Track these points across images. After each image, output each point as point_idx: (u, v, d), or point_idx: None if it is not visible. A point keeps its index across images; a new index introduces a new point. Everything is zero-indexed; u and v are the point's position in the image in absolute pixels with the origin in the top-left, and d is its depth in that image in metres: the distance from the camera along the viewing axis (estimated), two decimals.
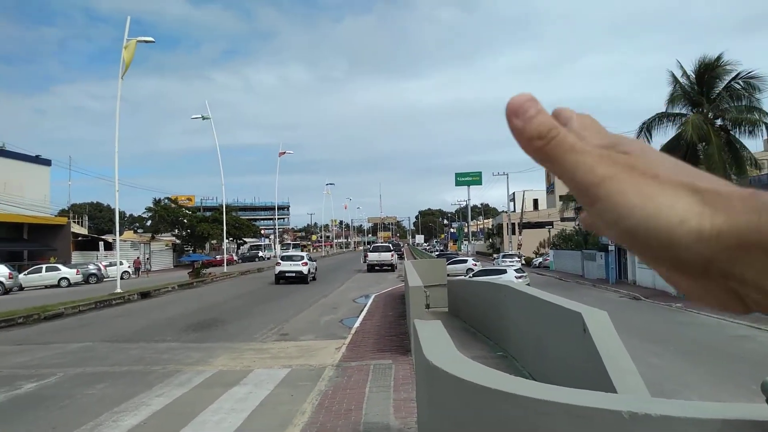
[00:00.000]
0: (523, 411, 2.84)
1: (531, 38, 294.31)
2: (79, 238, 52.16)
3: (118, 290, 26.59)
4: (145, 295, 27.48)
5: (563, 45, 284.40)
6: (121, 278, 30.67)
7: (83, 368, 11.17)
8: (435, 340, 4.84)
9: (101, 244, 51.11)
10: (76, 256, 46.97)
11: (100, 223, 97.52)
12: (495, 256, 56.44)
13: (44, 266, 37.30)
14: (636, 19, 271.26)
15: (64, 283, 36.17)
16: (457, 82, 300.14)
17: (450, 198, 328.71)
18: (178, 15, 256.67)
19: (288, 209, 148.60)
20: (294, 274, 33.15)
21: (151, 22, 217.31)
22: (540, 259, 55.38)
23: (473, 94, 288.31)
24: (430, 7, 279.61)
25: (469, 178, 77.43)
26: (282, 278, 33.26)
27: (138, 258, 52.50)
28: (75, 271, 37.81)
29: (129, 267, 44.45)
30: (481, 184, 77.84)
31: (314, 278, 35.52)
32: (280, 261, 35.05)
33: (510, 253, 55.78)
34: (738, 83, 28.24)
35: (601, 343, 5.28)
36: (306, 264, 33.73)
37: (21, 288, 34.16)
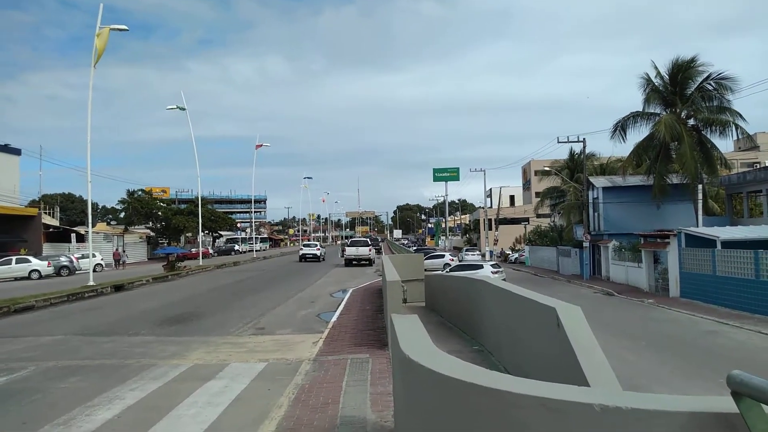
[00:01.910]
0: (497, 404, 2.89)
1: (510, 34, 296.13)
2: (51, 230, 51.09)
3: (91, 283, 26.16)
4: (118, 288, 27.10)
5: (543, 42, 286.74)
6: (94, 271, 30.20)
7: (55, 362, 11.00)
8: (412, 334, 4.89)
9: (73, 235, 50.18)
10: (47, 248, 46.01)
11: (72, 214, 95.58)
12: (464, 250, 59.08)
13: (14, 258, 36.50)
14: (614, 19, 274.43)
15: (34, 275, 35.46)
16: (436, 76, 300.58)
17: (428, 193, 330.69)
18: (153, 2, 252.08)
19: (265, 202, 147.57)
20: (312, 255, 51.45)
21: (124, 8, 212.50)
22: (516, 255, 55.97)
23: (452, 89, 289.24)
24: (409, 0, 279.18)
25: (446, 174, 77.90)
26: (304, 258, 51.30)
27: (117, 250, 51.78)
28: (46, 263, 37.09)
29: (102, 260, 43.72)
30: (458, 179, 78.53)
31: (324, 258, 52.01)
32: (302, 247, 56.37)
33: (471, 247, 65.45)
34: (710, 84, 28.83)
35: (574, 338, 5.38)
36: (319, 249, 54.17)
37: None
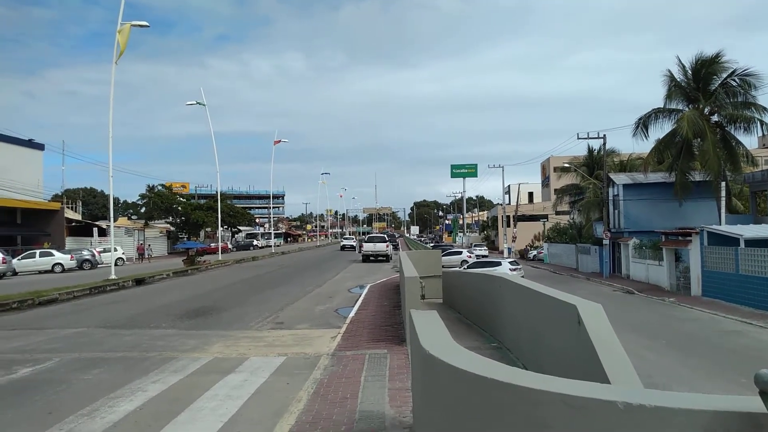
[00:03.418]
0: (517, 400, 2.89)
1: (529, 30, 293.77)
2: (73, 224, 51.94)
3: (113, 276, 26.54)
4: (139, 281, 27.48)
5: (562, 37, 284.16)
6: (116, 264, 30.64)
7: (78, 353, 11.20)
8: (431, 329, 4.89)
9: (95, 230, 50.92)
10: (69, 242, 46.84)
11: (94, 208, 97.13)
12: (472, 246, 62.32)
13: (38, 251, 37.20)
14: (634, 14, 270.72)
15: (57, 268, 36.11)
16: (455, 72, 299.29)
17: (445, 190, 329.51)
18: None
19: (283, 198, 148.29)
20: (350, 246, 66.55)
21: (145, 4, 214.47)
22: (534, 252, 55.61)
23: (471, 85, 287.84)
24: None
25: (464, 170, 77.40)
26: (344, 248, 66.84)
27: (141, 244, 52.51)
28: (69, 256, 37.75)
29: (123, 254, 44.32)
30: (476, 176, 77.83)
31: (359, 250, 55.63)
32: (342, 240, 75.83)
33: (479, 243, 71.35)
34: (734, 80, 28.32)
35: (595, 336, 5.34)
36: (354, 241, 69.59)
37: (15, 273, 34.05)
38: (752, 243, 20.49)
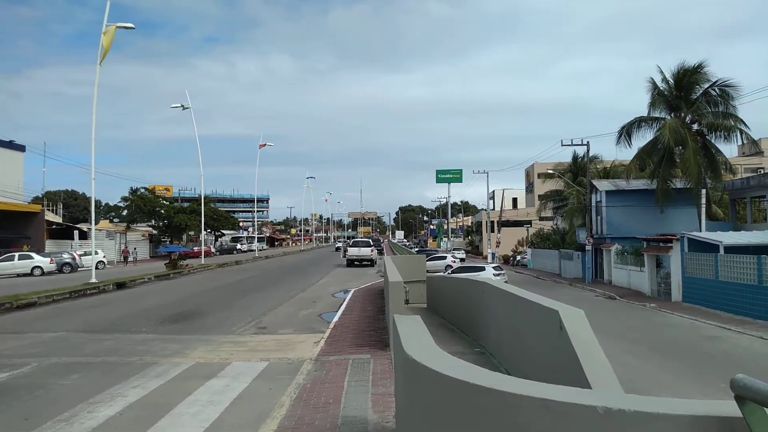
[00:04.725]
0: (499, 405, 2.90)
1: (517, 36, 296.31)
2: (53, 227, 51.23)
3: (93, 280, 26.21)
4: (120, 285, 27.15)
5: (549, 44, 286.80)
6: (97, 268, 30.25)
7: (57, 358, 11.03)
8: (414, 334, 4.89)
9: (76, 232, 50.30)
10: (49, 245, 46.14)
11: (75, 211, 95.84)
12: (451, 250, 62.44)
13: (17, 254, 36.60)
14: (622, 22, 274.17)
15: (37, 271, 35.55)
16: (441, 78, 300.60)
17: (430, 195, 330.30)
18: None
19: (267, 202, 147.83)
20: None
21: (130, 5, 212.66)
22: (519, 257, 55.94)
23: (457, 91, 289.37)
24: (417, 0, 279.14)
25: (449, 176, 77.76)
26: (338, 249, 67.43)
27: (126, 247, 51.91)
28: (49, 259, 37.18)
29: (104, 257, 43.79)
30: (461, 181, 78.31)
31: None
32: (337, 242, 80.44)
33: (457, 248, 69.06)
34: (715, 90, 28.83)
35: (576, 341, 5.38)
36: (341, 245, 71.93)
37: None
38: (731, 249, 20.81)
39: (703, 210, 27.57)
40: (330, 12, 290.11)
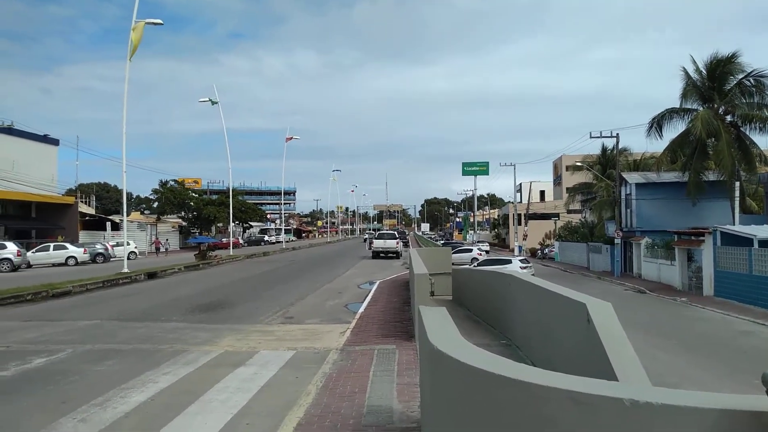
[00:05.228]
0: (525, 396, 2.90)
1: (544, 27, 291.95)
2: (87, 218, 52.50)
3: (125, 270, 26.82)
4: (151, 275, 27.72)
5: (576, 35, 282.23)
6: (129, 258, 30.91)
7: (91, 345, 11.35)
8: (440, 325, 4.91)
9: (108, 224, 51.44)
10: (83, 236, 47.32)
11: (107, 203, 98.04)
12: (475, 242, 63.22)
13: (52, 245, 37.62)
14: (651, 11, 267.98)
15: (71, 261, 36.49)
16: (469, 69, 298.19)
17: (456, 187, 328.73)
18: None
19: (294, 194, 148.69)
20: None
21: (158, 1, 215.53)
22: (546, 250, 55.38)
23: (483, 83, 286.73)
24: None
25: (476, 168, 77.28)
26: (366, 240, 65.33)
27: (158, 238, 52.97)
28: (82, 250, 38.14)
29: (136, 248, 44.71)
30: (487, 174, 77.79)
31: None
32: (366, 234, 70.01)
33: (482, 240, 70.84)
34: (749, 80, 27.99)
35: (604, 334, 5.33)
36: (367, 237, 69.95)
37: (29, 266, 34.48)
38: (766, 244, 20.28)
39: (737, 203, 26.91)
40: (355, 6, 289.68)
